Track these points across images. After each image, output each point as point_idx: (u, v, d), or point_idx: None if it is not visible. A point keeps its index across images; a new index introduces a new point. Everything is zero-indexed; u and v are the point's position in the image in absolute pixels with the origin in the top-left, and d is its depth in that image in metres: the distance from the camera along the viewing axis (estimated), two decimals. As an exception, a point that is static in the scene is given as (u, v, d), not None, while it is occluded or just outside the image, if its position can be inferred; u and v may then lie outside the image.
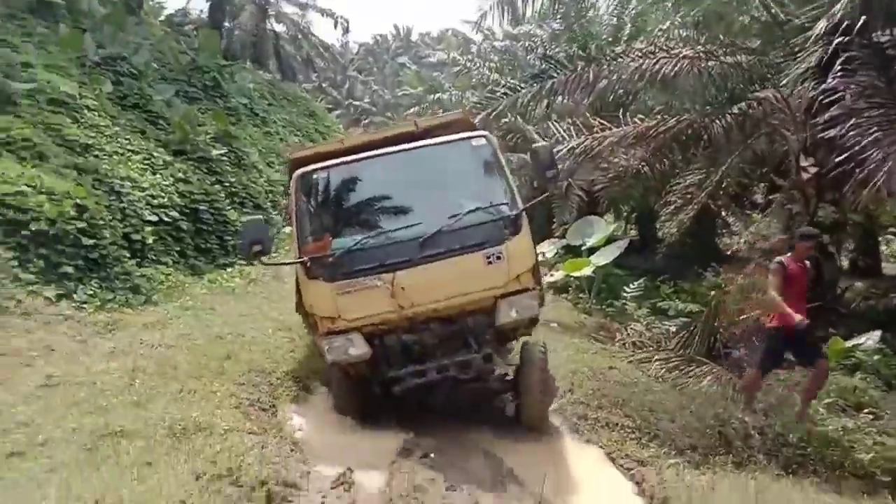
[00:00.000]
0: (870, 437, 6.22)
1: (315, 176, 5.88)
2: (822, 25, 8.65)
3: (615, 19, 18.39)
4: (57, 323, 7.47)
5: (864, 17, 8.44)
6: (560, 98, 13.27)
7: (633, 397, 6.64)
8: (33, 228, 8.30)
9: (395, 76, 41.94)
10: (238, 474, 3.80)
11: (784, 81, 9.16)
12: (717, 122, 11.10)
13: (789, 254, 6.69)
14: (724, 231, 20.53)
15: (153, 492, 3.26)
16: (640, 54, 10.99)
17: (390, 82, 41.72)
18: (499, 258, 5.46)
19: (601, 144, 11.71)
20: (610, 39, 17.56)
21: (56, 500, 2.95)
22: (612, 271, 14.22)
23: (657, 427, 6.04)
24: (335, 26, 32.30)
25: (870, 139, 6.88)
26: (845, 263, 16.46)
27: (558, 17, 18.71)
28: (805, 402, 6.68)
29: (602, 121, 12.22)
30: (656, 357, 8.02)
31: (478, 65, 22.07)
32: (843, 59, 8.27)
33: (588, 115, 14.30)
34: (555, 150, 12.13)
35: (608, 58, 11.67)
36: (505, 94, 13.41)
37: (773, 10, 10.63)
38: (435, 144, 6.01)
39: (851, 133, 7.03)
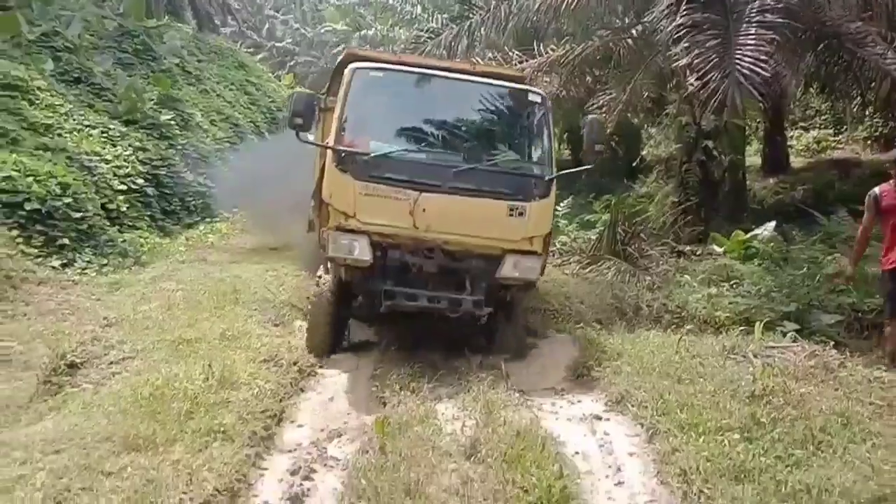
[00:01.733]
0: (727, 300, 8.66)
1: (372, 74, 5.94)
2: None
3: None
4: (70, 287, 9.35)
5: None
6: (480, 33, 15.10)
7: (554, 289, 8.98)
8: (28, 208, 10.04)
9: (315, 11, 42.64)
10: (277, 359, 5.92)
11: (651, 17, 11.31)
12: (621, 43, 13.17)
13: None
14: (649, 142, 22.92)
15: (229, 368, 5.40)
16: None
17: (310, 19, 42.41)
18: (521, 214, 5.71)
19: (521, 75, 13.67)
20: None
21: (184, 372, 5.08)
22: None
23: (570, 309, 8.37)
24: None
25: (710, 65, 9.19)
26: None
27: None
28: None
29: (520, 53, 13.88)
30: (574, 259, 10.44)
31: (401, 1, 23.49)
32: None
33: (507, 48, 16.24)
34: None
35: (517, -4, 13.42)
36: (430, 37, 15.44)
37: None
38: (496, 84, 6.29)
39: (697, 61, 9.34)
